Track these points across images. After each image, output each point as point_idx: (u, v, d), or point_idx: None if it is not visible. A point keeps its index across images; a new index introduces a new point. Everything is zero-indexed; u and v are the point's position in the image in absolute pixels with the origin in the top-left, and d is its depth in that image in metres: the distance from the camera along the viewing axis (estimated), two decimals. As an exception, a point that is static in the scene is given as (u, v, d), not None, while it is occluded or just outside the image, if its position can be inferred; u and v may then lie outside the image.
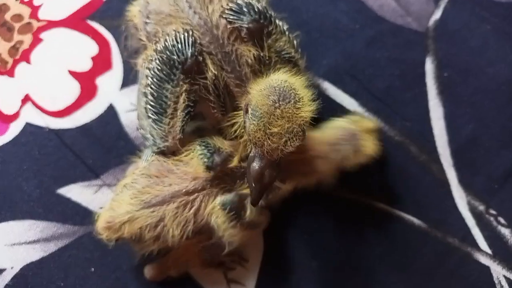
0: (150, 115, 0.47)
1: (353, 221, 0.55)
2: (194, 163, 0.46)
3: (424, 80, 0.59)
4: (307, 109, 0.40)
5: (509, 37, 0.61)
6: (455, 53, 0.61)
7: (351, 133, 0.50)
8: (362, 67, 0.60)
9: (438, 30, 0.61)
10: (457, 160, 0.57)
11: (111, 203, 0.47)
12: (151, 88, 0.47)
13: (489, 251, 0.54)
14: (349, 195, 0.56)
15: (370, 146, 0.50)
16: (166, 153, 0.48)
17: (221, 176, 0.47)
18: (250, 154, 0.42)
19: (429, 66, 0.60)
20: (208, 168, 0.46)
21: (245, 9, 0.46)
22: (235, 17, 0.46)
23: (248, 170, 0.41)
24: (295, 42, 0.49)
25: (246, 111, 0.41)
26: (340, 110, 0.58)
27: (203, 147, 0.46)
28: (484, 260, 0.54)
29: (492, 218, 0.55)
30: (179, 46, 0.45)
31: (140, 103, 0.49)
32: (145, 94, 0.47)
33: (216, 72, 0.45)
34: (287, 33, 0.49)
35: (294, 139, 0.40)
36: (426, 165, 0.57)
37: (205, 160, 0.46)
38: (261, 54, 0.46)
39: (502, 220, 0.55)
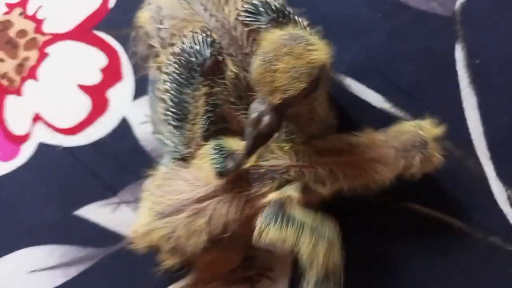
0: (171, 122, 0.46)
1: (389, 226, 0.54)
2: (206, 168, 0.45)
3: (454, 69, 0.57)
4: (319, 53, 0.40)
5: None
6: (486, 38, 0.58)
7: (421, 140, 0.47)
8: (386, 60, 0.58)
9: (465, 13, 0.59)
10: (495, 152, 0.55)
11: (139, 211, 0.47)
12: (170, 93, 0.46)
13: (534, 249, 0.52)
14: (383, 198, 0.54)
15: (437, 157, 0.48)
16: (188, 159, 0.47)
17: (235, 180, 0.45)
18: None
19: (459, 54, 0.57)
20: (220, 174, 0.44)
21: (261, 9, 0.45)
22: (252, 19, 0.45)
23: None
24: (317, 37, 0.48)
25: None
26: (365, 107, 0.57)
27: (216, 151, 0.45)
28: (530, 259, 0.52)
29: (535, 213, 0.53)
30: (197, 47, 0.44)
31: (156, 109, 0.49)
32: (163, 100, 0.47)
33: (237, 72, 0.45)
34: (308, 29, 0.47)
35: (300, 79, 0.38)
36: (462, 160, 0.55)
37: (217, 166, 0.44)
38: None
39: (546, 214, 0.53)
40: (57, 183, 0.56)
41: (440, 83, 0.57)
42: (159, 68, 0.49)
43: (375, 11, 0.60)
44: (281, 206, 0.44)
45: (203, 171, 0.45)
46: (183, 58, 0.45)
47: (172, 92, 0.46)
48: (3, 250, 0.54)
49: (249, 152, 0.41)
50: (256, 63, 0.39)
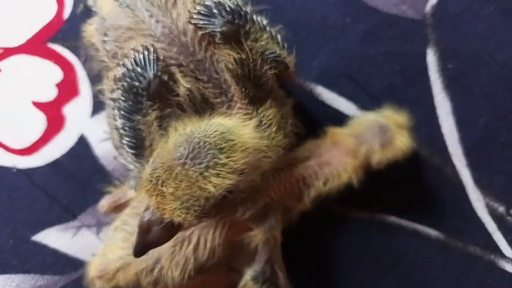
0: (128, 150, 0.46)
1: (366, 240, 0.55)
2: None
3: (427, 74, 0.59)
4: (219, 183, 0.37)
5: (518, 17, 0.60)
6: (459, 40, 0.60)
7: (380, 126, 0.50)
8: (357, 66, 0.59)
9: (437, 16, 0.60)
10: (471, 159, 0.57)
11: (103, 248, 0.46)
12: (120, 122, 0.45)
13: (514, 257, 0.54)
14: (356, 212, 0.56)
15: (401, 141, 0.49)
16: None
17: (219, 205, 0.44)
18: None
19: (431, 58, 0.59)
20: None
21: (215, 11, 0.44)
22: (205, 22, 0.44)
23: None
24: (279, 37, 0.48)
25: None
26: (337, 116, 0.58)
27: None
28: (510, 267, 0.54)
29: (515, 220, 0.55)
30: (139, 69, 0.43)
31: (113, 134, 0.48)
32: (116, 127, 0.46)
33: (189, 86, 0.44)
34: (267, 28, 0.47)
35: (189, 211, 0.37)
36: (438, 168, 0.57)
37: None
38: (243, 57, 0.44)
39: (526, 221, 0.55)
40: (12, 207, 0.56)
41: (413, 89, 0.59)
42: (107, 90, 0.48)
43: (344, 15, 0.61)
44: (270, 267, 0.46)
45: None
46: (125, 84, 0.44)
47: (123, 120, 0.45)
48: (-48, 281, 0.54)
49: (137, 254, 0.40)
50: (144, 175, 0.38)
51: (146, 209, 0.39)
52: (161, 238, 0.39)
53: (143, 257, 0.43)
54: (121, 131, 0.45)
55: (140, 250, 0.39)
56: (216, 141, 0.37)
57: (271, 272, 0.46)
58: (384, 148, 0.49)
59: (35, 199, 0.56)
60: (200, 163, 0.36)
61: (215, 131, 0.37)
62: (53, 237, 0.55)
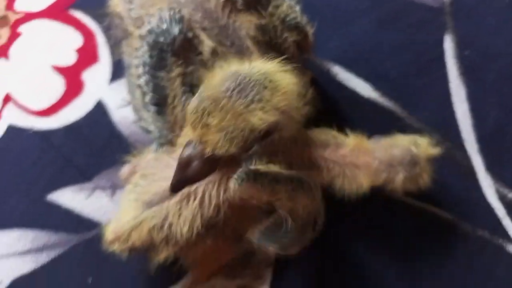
0: (150, 107, 0.48)
1: (376, 217, 0.58)
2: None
3: (443, 61, 0.62)
4: (263, 117, 0.38)
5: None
6: (475, 30, 0.63)
7: (411, 159, 0.48)
8: (375, 49, 0.63)
9: (455, 5, 0.64)
10: (484, 145, 0.59)
11: (117, 213, 0.48)
12: (144, 79, 0.48)
13: (522, 242, 0.57)
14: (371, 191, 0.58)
15: (424, 178, 0.49)
16: (175, 143, 0.49)
17: (223, 161, 0.45)
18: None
19: (449, 45, 0.62)
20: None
21: None
22: None
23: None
24: (297, 7, 0.51)
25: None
26: (352, 96, 0.61)
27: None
28: (518, 252, 0.57)
29: (524, 207, 0.58)
30: (164, 26, 0.46)
31: (135, 95, 0.51)
32: (139, 86, 0.49)
33: (214, 46, 0.47)
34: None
35: (232, 143, 0.38)
36: (450, 153, 0.59)
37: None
38: (263, 23, 0.47)
39: (534, 208, 0.58)
40: (28, 167, 0.58)
41: (429, 74, 0.62)
42: (130, 53, 0.51)
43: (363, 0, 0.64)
44: (252, 166, 0.45)
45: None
46: (151, 40, 0.46)
47: (146, 77, 0.47)
48: (-33, 234, 0.56)
49: (173, 189, 0.42)
50: (189, 107, 0.39)
51: (187, 144, 0.40)
52: (200, 173, 0.41)
53: (152, 214, 0.45)
54: (145, 88, 0.48)
55: (177, 185, 0.41)
56: (260, 79, 0.39)
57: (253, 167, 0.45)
58: (405, 182, 0.48)
59: (51, 160, 0.59)
60: (246, 96, 0.38)
61: (259, 71, 0.39)
62: (67, 197, 0.57)
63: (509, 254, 0.56)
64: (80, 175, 0.58)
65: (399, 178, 0.48)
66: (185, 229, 0.46)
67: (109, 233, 0.47)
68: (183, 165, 0.40)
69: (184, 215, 0.46)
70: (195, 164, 0.40)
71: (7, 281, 0.55)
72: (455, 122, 0.60)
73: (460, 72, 0.62)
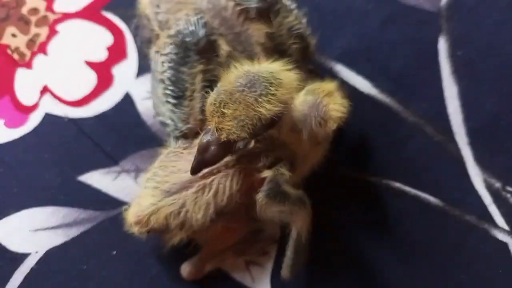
0: (169, 100, 0.54)
1: (371, 201, 0.62)
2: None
3: (437, 60, 0.66)
4: (269, 108, 0.45)
5: (529, 13, 0.67)
6: (471, 32, 0.67)
7: (312, 104, 0.51)
8: (376, 49, 0.67)
9: (452, 9, 0.68)
10: (473, 138, 0.63)
11: (137, 198, 0.53)
12: (168, 73, 0.54)
13: (506, 227, 0.61)
14: (365, 176, 0.63)
15: (336, 109, 0.51)
16: (188, 135, 0.54)
17: (237, 157, 0.52)
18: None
19: (442, 45, 0.67)
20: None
21: None
22: None
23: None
24: (303, 20, 0.57)
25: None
26: (352, 93, 0.64)
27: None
28: (502, 236, 0.60)
29: (509, 195, 0.62)
30: (191, 28, 0.52)
31: (156, 92, 0.56)
32: (162, 81, 0.55)
33: (229, 50, 0.53)
34: (295, 11, 0.56)
35: (243, 129, 0.45)
36: (442, 145, 0.63)
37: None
38: (272, 32, 0.53)
39: (519, 197, 0.62)
40: (61, 151, 0.64)
41: (425, 72, 0.66)
42: (157, 51, 0.56)
43: (367, 2, 0.69)
44: (276, 183, 0.51)
45: None
46: (178, 39, 0.53)
47: (170, 71, 0.53)
48: (7, 210, 0.62)
49: (193, 171, 0.49)
50: (209, 100, 0.45)
51: (206, 132, 0.47)
52: (217, 156, 0.47)
53: (171, 202, 0.51)
54: (167, 81, 0.54)
55: (197, 167, 0.48)
56: (267, 77, 0.46)
57: (279, 186, 0.51)
58: (324, 123, 0.50)
59: (82, 145, 0.64)
60: (255, 91, 0.45)
61: (266, 70, 0.46)
62: (96, 179, 0.63)
63: (494, 237, 0.61)
64: (108, 159, 0.64)
65: (316, 124, 0.50)
66: (200, 216, 0.51)
67: (130, 216, 0.53)
68: (202, 149, 0.47)
69: (200, 204, 0.51)
70: (213, 148, 0.47)
71: (41, 252, 0.61)
72: (447, 116, 0.65)
73: (452, 71, 0.66)
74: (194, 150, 0.50)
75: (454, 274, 0.60)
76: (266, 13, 0.54)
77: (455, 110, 0.65)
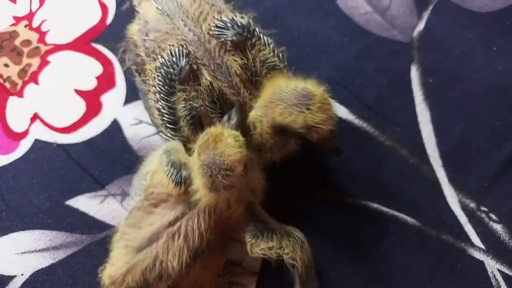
0: (168, 126, 0.53)
1: (351, 222, 0.58)
2: (164, 182, 0.50)
3: (410, 87, 0.64)
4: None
5: (493, 44, 0.65)
6: (441, 60, 0.65)
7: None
8: (352, 78, 0.64)
9: (423, 40, 0.66)
10: (447, 160, 0.61)
11: (110, 259, 0.50)
12: (160, 104, 0.52)
13: (482, 246, 0.57)
14: (345, 197, 0.59)
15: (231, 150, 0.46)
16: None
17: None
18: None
19: (414, 73, 0.64)
20: (177, 183, 0.49)
21: (229, 25, 0.52)
22: (220, 32, 0.52)
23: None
24: (280, 54, 0.54)
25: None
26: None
27: (169, 166, 0.49)
28: (478, 255, 0.57)
29: (483, 215, 0.58)
30: (174, 59, 0.51)
31: (153, 115, 0.56)
32: (157, 109, 0.53)
33: (210, 80, 0.51)
34: (271, 45, 0.54)
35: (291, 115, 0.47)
36: (417, 167, 0.61)
37: (174, 176, 0.49)
38: (246, 63, 0.51)
39: (493, 216, 0.58)
40: (50, 176, 0.60)
41: (399, 99, 0.63)
42: (145, 81, 0.55)
43: (342, 35, 0.66)
44: (255, 221, 0.50)
45: (162, 187, 0.50)
46: (163, 71, 0.51)
47: (162, 103, 0.52)
48: (-5, 233, 0.57)
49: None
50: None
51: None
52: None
53: (143, 256, 0.48)
54: (162, 111, 0.52)
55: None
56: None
57: (264, 223, 0.50)
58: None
59: (70, 170, 0.60)
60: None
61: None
62: (83, 203, 0.59)
63: (471, 256, 0.57)
64: (94, 183, 0.60)
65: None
66: (175, 263, 0.48)
67: (106, 278, 0.49)
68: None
69: (173, 251, 0.48)
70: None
71: (27, 274, 0.56)
72: (421, 140, 0.62)
73: (425, 97, 0.63)
74: (158, 203, 0.50)
75: (433, 292, 0.56)
76: (241, 46, 0.52)
77: (429, 134, 0.62)
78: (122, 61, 0.62)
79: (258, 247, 0.49)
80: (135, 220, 0.50)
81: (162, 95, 0.52)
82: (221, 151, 0.45)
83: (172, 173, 0.49)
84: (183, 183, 0.49)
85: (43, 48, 0.65)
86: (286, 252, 0.49)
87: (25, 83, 0.64)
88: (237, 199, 0.49)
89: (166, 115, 0.52)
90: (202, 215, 0.49)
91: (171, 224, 0.49)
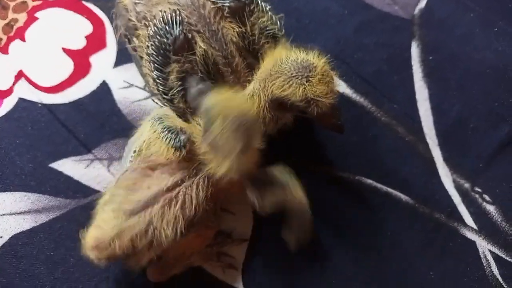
0: (162, 95, 0.49)
1: (344, 197, 0.56)
2: (162, 150, 0.46)
3: (410, 64, 0.61)
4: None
5: (494, 25, 0.64)
6: (442, 39, 0.63)
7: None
8: (351, 52, 0.62)
9: (424, 17, 0.64)
10: (443, 139, 0.59)
11: (96, 221, 0.46)
12: (155, 73, 0.48)
13: (474, 226, 0.56)
14: (340, 172, 0.57)
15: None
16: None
17: (197, 165, 0.46)
18: None
19: (415, 50, 0.62)
20: (178, 148, 0.46)
21: None
22: None
23: None
24: (278, 21, 0.51)
25: None
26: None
27: (166, 132, 0.46)
28: (470, 235, 0.55)
29: (477, 195, 0.57)
30: (167, 27, 0.47)
31: (148, 82, 0.52)
32: (152, 78, 0.49)
33: (205, 48, 0.47)
34: (269, 12, 0.51)
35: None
36: (413, 145, 0.59)
37: (172, 142, 0.46)
38: (244, 31, 0.48)
39: (487, 197, 0.57)
40: (34, 137, 0.56)
41: (398, 76, 0.61)
42: (138, 47, 0.51)
43: (343, 8, 0.64)
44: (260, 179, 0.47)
45: (161, 155, 0.46)
46: (156, 40, 0.47)
47: (156, 71, 0.48)
48: (-26, 194, 0.54)
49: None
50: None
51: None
52: None
53: (136, 221, 0.44)
54: (157, 80, 0.48)
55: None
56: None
57: (263, 181, 0.47)
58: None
59: (55, 132, 0.57)
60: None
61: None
62: (68, 166, 0.55)
63: (463, 235, 0.56)
64: (80, 146, 0.56)
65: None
66: (169, 231, 0.45)
67: (89, 240, 0.45)
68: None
69: (168, 218, 0.45)
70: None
71: (6, 237, 0.53)
72: (418, 118, 0.60)
73: (424, 74, 0.61)
74: (155, 166, 0.46)
75: (424, 271, 0.54)
76: (240, 13, 0.48)
77: (426, 112, 0.60)
78: (114, 26, 0.58)
79: (266, 199, 0.46)
80: (130, 182, 0.46)
81: (156, 65, 0.48)
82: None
83: (170, 138, 0.46)
84: (183, 147, 0.45)
85: (31, 4, 0.61)
86: (289, 193, 0.47)
87: (10, 39, 0.60)
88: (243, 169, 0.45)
89: (161, 86, 0.48)
90: (201, 183, 0.46)
91: (169, 189, 0.45)
